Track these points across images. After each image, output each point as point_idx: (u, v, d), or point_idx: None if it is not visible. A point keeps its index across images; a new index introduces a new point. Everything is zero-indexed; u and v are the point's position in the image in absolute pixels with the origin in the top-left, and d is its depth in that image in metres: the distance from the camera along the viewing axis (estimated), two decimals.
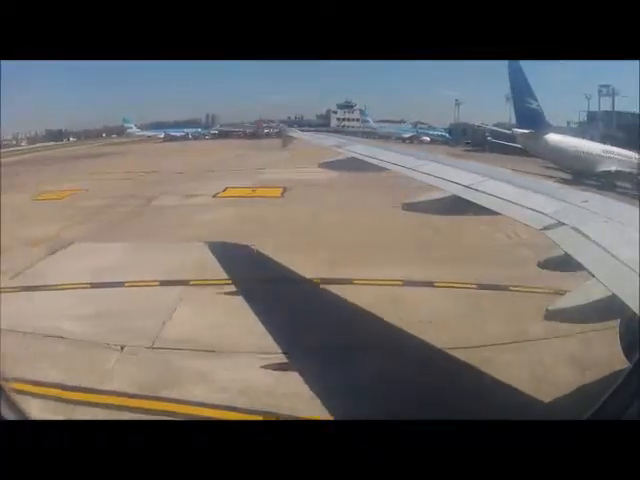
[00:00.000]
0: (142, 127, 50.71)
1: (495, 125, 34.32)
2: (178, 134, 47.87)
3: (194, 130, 49.03)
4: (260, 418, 4.85)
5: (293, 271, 9.14)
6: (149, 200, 17.05)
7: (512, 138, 26.64)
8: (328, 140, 9.40)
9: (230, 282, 8.69)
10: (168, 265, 9.69)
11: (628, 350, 3.16)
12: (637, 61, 2.62)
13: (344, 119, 46.64)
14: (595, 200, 4.07)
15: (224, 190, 18.62)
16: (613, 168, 23.13)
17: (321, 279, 8.71)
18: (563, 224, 3.62)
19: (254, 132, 46.74)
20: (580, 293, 3.26)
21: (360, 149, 7.66)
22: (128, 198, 17.29)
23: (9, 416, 2.16)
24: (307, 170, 20.38)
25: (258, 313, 7.24)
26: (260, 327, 6.79)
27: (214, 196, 17.57)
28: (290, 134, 11.24)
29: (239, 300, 7.90)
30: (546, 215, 3.84)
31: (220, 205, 16.11)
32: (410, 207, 5.97)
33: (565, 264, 3.45)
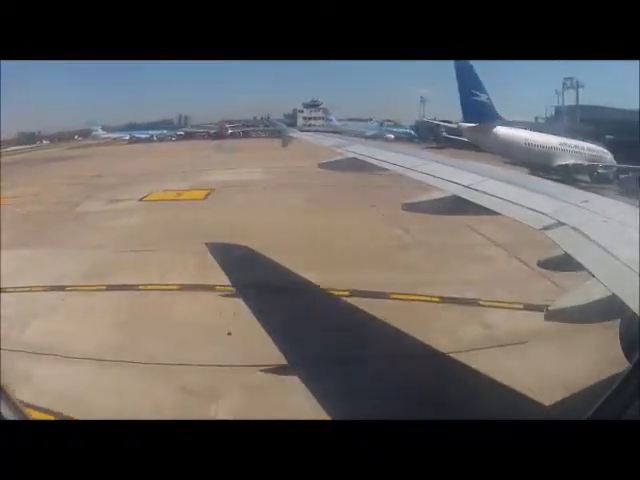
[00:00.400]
0: (114, 129, 49.73)
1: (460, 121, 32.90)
2: (143, 136, 47.30)
3: (159, 132, 48.42)
4: (259, 419, 4.85)
5: (171, 276, 9.15)
6: (75, 205, 17.08)
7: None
8: (327, 140, 9.39)
9: (105, 289, 8.75)
10: (58, 271, 9.66)
11: (628, 350, 3.16)
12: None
13: (310, 118, 46.65)
14: (595, 200, 4.07)
15: (153, 193, 18.82)
16: (571, 161, 22.03)
17: (191, 285, 8.75)
18: (563, 224, 3.62)
19: (218, 133, 46.66)
20: (580, 293, 3.25)
21: (360, 149, 7.66)
22: (58, 204, 17.29)
23: (9, 416, 2.16)
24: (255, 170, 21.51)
25: (120, 320, 7.36)
26: (118, 334, 6.94)
27: (140, 200, 17.71)
28: (290, 134, 11.21)
29: (108, 307, 7.98)
30: (546, 215, 3.84)
31: (141, 209, 16.37)
32: (410, 207, 5.89)
33: (565, 264, 3.45)
